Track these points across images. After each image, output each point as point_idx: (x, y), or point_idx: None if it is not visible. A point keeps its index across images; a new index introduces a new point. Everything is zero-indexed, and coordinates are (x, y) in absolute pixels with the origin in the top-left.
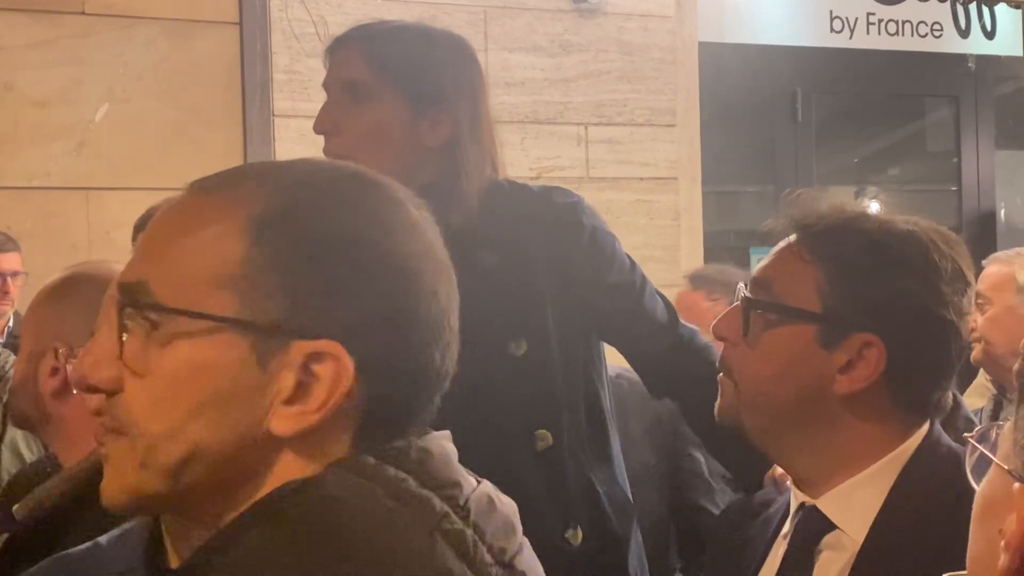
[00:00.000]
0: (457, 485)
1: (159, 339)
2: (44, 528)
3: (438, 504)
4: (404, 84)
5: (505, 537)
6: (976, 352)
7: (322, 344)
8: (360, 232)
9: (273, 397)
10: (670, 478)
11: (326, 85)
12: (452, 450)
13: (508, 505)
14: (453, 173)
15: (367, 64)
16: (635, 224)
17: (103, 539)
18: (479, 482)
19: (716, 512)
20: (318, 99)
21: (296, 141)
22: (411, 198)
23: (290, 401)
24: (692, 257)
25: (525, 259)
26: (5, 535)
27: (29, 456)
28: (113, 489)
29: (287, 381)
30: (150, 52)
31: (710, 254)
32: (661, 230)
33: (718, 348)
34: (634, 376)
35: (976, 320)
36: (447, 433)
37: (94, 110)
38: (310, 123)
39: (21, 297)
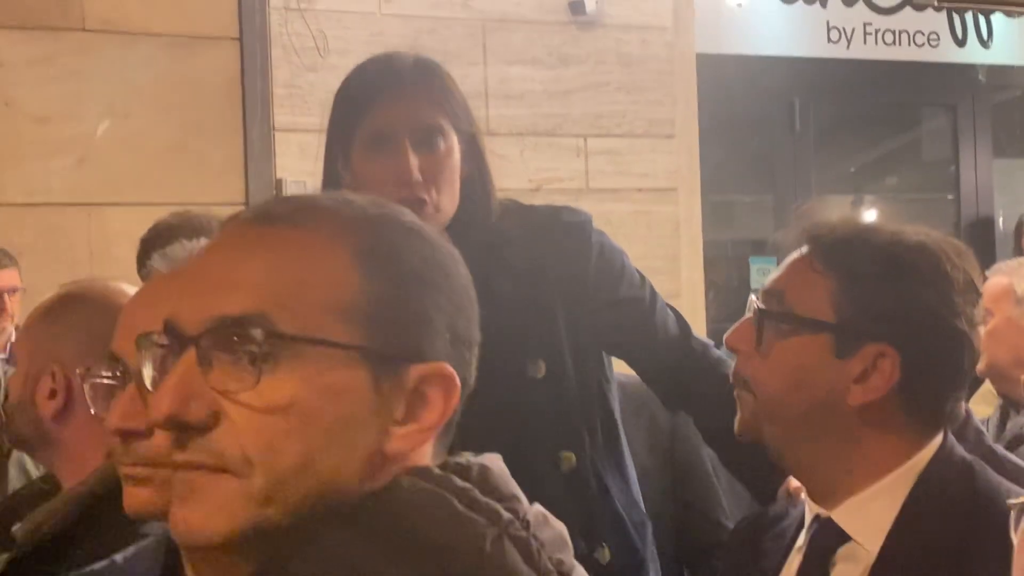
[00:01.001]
0: (517, 499)
1: (283, 370)
2: (45, 550)
3: (504, 513)
4: (458, 124)
5: (561, 550)
6: (980, 365)
7: (435, 366)
8: (439, 262)
9: (387, 419)
10: (672, 483)
11: (394, 129)
12: (506, 469)
13: (559, 524)
14: (482, 198)
15: (438, 109)
16: (635, 235)
17: (119, 557)
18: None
19: (720, 519)
20: (318, 113)
21: (297, 156)
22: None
23: (401, 422)
24: (692, 267)
25: (538, 280)
26: (5, 556)
27: (36, 474)
28: (216, 527)
29: (399, 403)
30: (150, 68)
31: (710, 264)
32: (661, 241)
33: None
34: (628, 380)
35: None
36: (498, 455)
37: (95, 126)
38: (310, 137)
39: (21, 313)
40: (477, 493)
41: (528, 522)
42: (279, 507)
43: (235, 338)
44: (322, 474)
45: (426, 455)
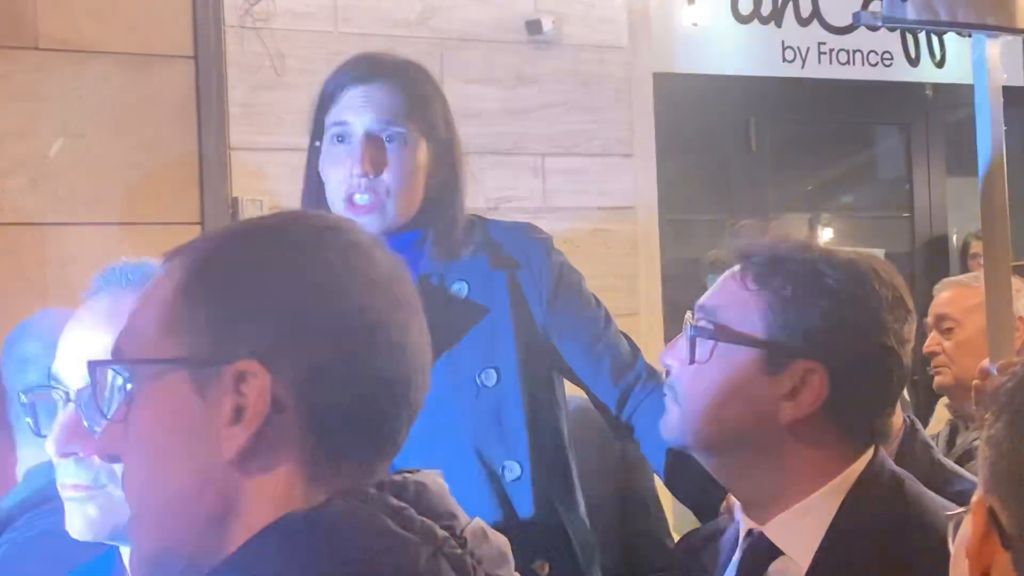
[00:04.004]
0: (454, 516)
1: (129, 396)
2: None
3: (439, 531)
4: (428, 128)
5: (500, 566)
6: (944, 377)
7: (240, 364)
8: (274, 259)
9: (218, 425)
10: (621, 504)
11: (354, 122)
12: (446, 486)
13: (500, 538)
14: (448, 206)
15: (406, 107)
16: (593, 253)
17: None
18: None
19: (667, 544)
20: (274, 132)
21: (252, 175)
22: (354, 227)
23: (230, 425)
24: (650, 285)
25: (496, 292)
26: None
27: None
28: (132, 562)
29: (226, 407)
30: (105, 86)
31: (668, 281)
32: (619, 259)
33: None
34: (581, 402)
35: (942, 345)
36: (440, 471)
37: (48, 145)
38: (266, 156)
39: None
40: (412, 512)
41: (464, 539)
42: (147, 529)
43: (104, 373)
44: (167, 489)
45: (296, 458)
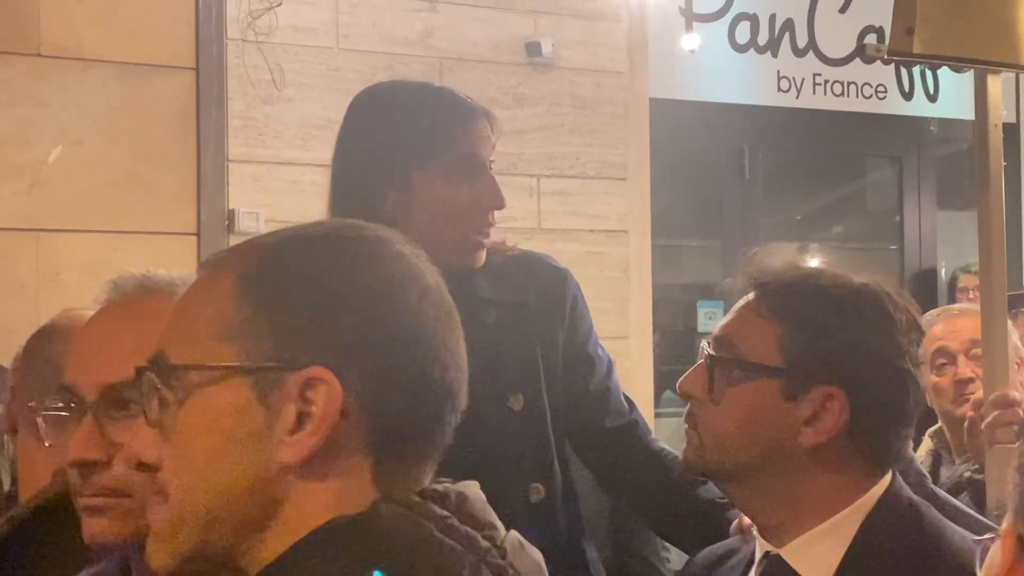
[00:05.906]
0: (494, 527)
1: (178, 400)
2: None
3: (482, 541)
4: None
5: None
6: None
7: (309, 371)
8: (335, 267)
9: (280, 431)
10: (617, 525)
11: (486, 154)
12: (483, 496)
13: (535, 551)
14: None
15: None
16: (585, 275)
17: None
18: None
19: (656, 564)
20: (272, 145)
21: (250, 187)
22: (398, 238)
23: (293, 431)
24: (641, 309)
25: (520, 315)
26: None
27: None
28: (161, 556)
29: (289, 413)
30: (104, 95)
31: (658, 306)
32: (611, 282)
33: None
34: None
35: (976, 372)
36: (475, 482)
37: (47, 152)
38: (264, 169)
39: None
40: (455, 521)
41: (505, 550)
42: (188, 529)
43: (148, 377)
44: (214, 490)
45: (356, 463)
